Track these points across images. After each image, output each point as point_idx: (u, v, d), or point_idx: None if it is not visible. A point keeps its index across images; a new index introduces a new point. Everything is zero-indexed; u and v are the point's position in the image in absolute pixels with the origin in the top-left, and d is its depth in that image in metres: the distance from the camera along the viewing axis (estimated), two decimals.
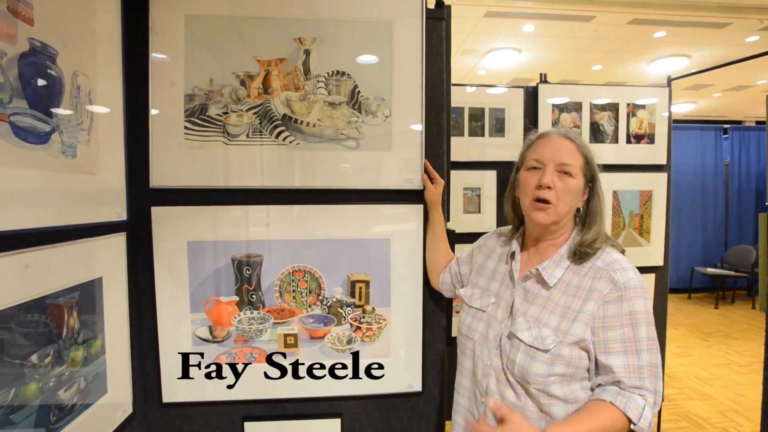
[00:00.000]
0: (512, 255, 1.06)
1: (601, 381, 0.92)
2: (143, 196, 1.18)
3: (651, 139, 2.51)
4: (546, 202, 0.95)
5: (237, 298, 1.25)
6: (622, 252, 0.99)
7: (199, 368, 1.24)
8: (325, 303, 1.28)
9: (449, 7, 1.32)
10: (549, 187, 0.95)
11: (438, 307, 1.35)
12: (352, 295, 1.29)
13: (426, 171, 1.27)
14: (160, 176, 1.18)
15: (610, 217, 2.49)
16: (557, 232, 1.01)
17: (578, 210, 1.00)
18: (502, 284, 1.06)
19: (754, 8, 3.89)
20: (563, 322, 0.91)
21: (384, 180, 1.27)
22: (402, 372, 1.33)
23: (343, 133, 1.24)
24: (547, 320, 0.93)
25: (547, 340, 0.90)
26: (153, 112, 1.17)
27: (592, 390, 0.93)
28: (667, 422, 3.00)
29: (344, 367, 1.29)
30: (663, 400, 3.16)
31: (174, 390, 1.24)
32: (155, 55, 1.17)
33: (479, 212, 2.43)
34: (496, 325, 1.01)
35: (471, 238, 1.35)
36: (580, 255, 0.95)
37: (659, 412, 0.86)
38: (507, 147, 2.43)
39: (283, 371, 1.27)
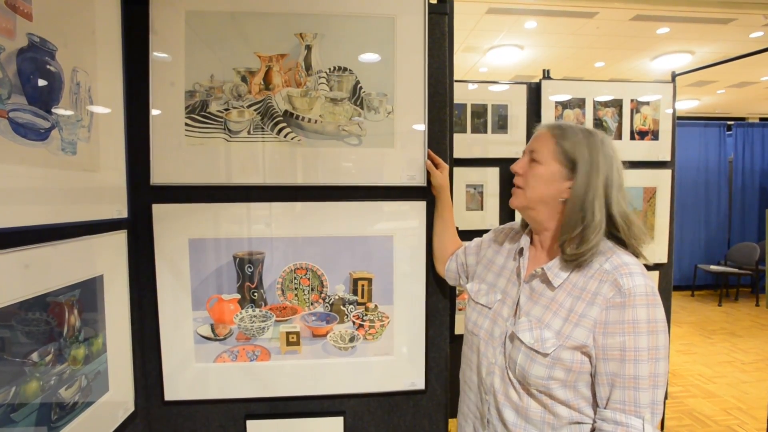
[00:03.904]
0: (520, 251, 1.04)
1: (597, 393, 0.88)
2: (144, 193, 1.17)
3: (655, 135, 2.50)
4: (517, 186, 1.01)
5: (239, 296, 1.24)
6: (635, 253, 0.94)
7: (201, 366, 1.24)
8: (327, 301, 1.27)
9: (452, 1, 1.30)
10: (517, 173, 1.01)
11: (441, 305, 1.34)
12: (355, 292, 1.28)
13: (429, 158, 1.26)
14: (160, 173, 1.18)
15: None
16: (541, 221, 0.99)
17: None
18: (509, 281, 1.04)
19: (758, 4, 3.86)
20: (565, 325, 0.89)
21: (386, 177, 1.26)
22: (405, 370, 1.32)
23: (345, 129, 1.23)
24: (550, 322, 0.91)
25: (548, 343, 0.88)
26: (153, 108, 1.16)
27: (594, 395, 0.91)
28: (671, 420, 2.99)
29: (347, 365, 1.29)
30: (667, 398, 3.15)
31: (176, 388, 1.24)
32: (156, 53, 1.16)
33: (482, 209, 2.42)
34: (502, 323, 1.00)
35: (473, 235, 1.34)
36: (571, 261, 0.91)
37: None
38: (510, 144, 2.42)
39: (285, 369, 1.27)
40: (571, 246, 0.91)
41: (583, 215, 0.91)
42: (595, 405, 0.91)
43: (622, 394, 0.84)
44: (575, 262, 0.91)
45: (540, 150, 0.96)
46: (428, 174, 1.26)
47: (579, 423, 0.91)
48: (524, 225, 1.11)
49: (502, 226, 1.21)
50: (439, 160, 1.26)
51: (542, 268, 0.96)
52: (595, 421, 0.90)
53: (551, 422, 0.91)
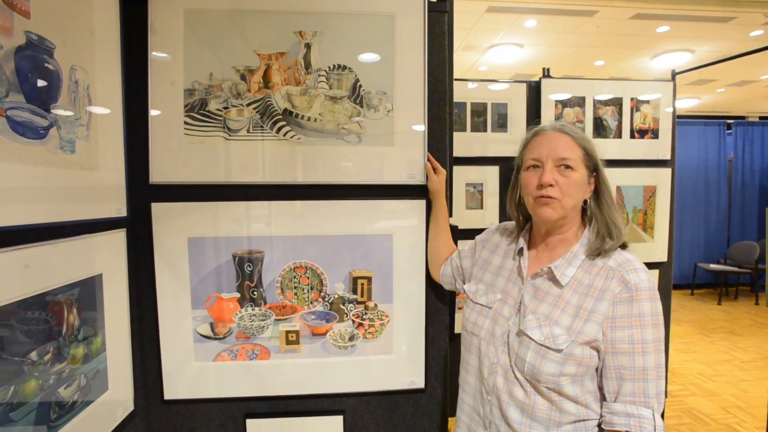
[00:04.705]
0: (520, 251, 1.04)
1: (605, 387, 0.90)
2: (143, 192, 1.17)
3: (655, 134, 2.50)
4: (550, 197, 0.94)
5: (238, 295, 1.24)
6: (624, 246, 0.97)
7: (201, 365, 1.24)
8: (326, 299, 1.27)
9: (451, 0, 1.30)
10: (551, 185, 0.94)
11: (441, 303, 1.34)
12: (354, 291, 1.28)
13: (428, 161, 1.26)
14: (160, 172, 1.17)
15: None
16: (565, 226, 0.99)
17: (586, 202, 0.99)
18: (509, 280, 1.04)
19: (758, 2, 3.85)
20: (575, 321, 0.90)
21: (386, 175, 1.25)
22: (405, 369, 1.32)
23: (345, 127, 1.23)
24: (559, 319, 0.92)
25: (559, 339, 0.89)
26: (152, 107, 1.16)
27: (600, 389, 0.92)
28: (671, 419, 2.99)
29: (346, 363, 1.28)
30: (667, 396, 3.15)
31: (175, 387, 1.23)
32: (155, 52, 1.15)
33: (481, 208, 2.42)
34: (503, 322, 0.99)
35: (473, 234, 1.34)
36: (598, 253, 0.94)
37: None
38: (509, 142, 2.41)
39: (285, 368, 1.27)
40: (607, 239, 0.95)
41: (615, 210, 0.97)
42: (601, 399, 0.92)
43: (632, 386, 0.86)
44: (605, 252, 0.95)
45: (571, 157, 0.95)
46: (426, 177, 1.26)
47: (584, 420, 0.92)
48: (520, 226, 1.10)
49: (494, 227, 1.21)
50: (438, 165, 1.26)
51: (549, 267, 0.96)
52: (602, 416, 0.91)
53: (557, 419, 0.92)
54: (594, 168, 0.97)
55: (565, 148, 0.95)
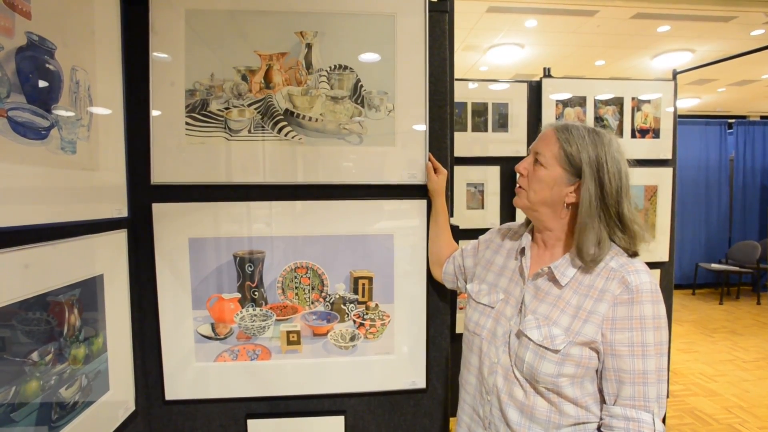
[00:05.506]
0: (522, 251, 1.04)
1: (605, 389, 0.89)
2: (144, 192, 1.17)
3: (656, 133, 2.50)
4: (520, 186, 1.00)
5: (239, 295, 1.24)
6: (633, 255, 0.93)
7: (202, 366, 1.24)
8: (327, 300, 1.27)
9: (452, 0, 1.30)
10: (521, 174, 1.00)
11: (442, 303, 1.34)
12: (355, 291, 1.28)
13: (429, 161, 1.26)
14: (161, 172, 1.17)
15: None
16: (549, 223, 0.98)
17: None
18: (511, 280, 1.04)
19: (759, 1, 3.85)
20: (574, 322, 0.89)
21: (387, 175, 1.25)
22: (406, 369, 1.32)
23: (346, 128, 1.23)
24: (558, 319, 0.91)
25: (557, 339, 0.88)
26: (153, 107, 1.16)
27: (600, 392, 0.91)
28: (672, 419, 2.98)
29: (347, 364, 1.28)
30: (668, 396, 3.15)
31: (176, 387, 1.23)
32: (156, 52, 1.15)
33: (482, 208, 2.42)
34: (505, 322, 0.99)
35: (474, 234, 1.34)
36: (590, 262, 0.91)
37: None
38: (510, 142, 2.41)
39: (286, 368, 1.27)
40: (591, 249, 0.90)
41: (600, 219, 0.91)
42: (601, 401, 0.92)
43: (632, 389, 0.85)
44: (593, 263, 0.91)
45: (544, 153, 0.95)
46: (426, 177, 1.26)
47: (584, 423, 0.92)
48: (526, 223, 1.10)
49: (497, 227, 1.21)
50: (438, 165, 1.26)
51: (549, 267, 0.95)
52: (601, 418, 0.90)
53: (556, 421, 0.91)
54: (577, 172, 0.92)
55: (542, 142, 0.98)
